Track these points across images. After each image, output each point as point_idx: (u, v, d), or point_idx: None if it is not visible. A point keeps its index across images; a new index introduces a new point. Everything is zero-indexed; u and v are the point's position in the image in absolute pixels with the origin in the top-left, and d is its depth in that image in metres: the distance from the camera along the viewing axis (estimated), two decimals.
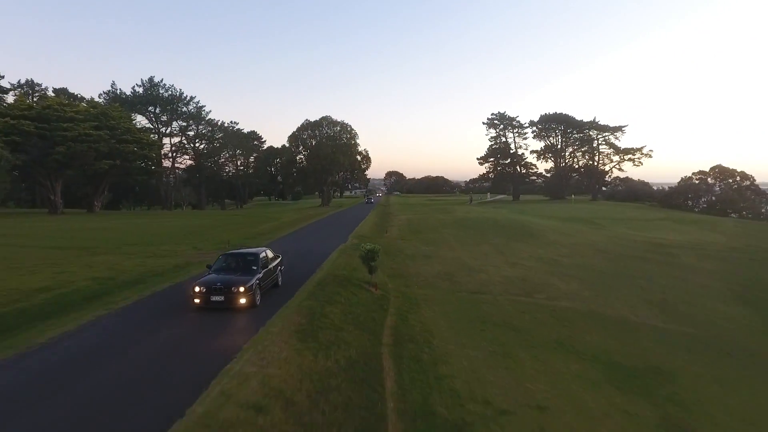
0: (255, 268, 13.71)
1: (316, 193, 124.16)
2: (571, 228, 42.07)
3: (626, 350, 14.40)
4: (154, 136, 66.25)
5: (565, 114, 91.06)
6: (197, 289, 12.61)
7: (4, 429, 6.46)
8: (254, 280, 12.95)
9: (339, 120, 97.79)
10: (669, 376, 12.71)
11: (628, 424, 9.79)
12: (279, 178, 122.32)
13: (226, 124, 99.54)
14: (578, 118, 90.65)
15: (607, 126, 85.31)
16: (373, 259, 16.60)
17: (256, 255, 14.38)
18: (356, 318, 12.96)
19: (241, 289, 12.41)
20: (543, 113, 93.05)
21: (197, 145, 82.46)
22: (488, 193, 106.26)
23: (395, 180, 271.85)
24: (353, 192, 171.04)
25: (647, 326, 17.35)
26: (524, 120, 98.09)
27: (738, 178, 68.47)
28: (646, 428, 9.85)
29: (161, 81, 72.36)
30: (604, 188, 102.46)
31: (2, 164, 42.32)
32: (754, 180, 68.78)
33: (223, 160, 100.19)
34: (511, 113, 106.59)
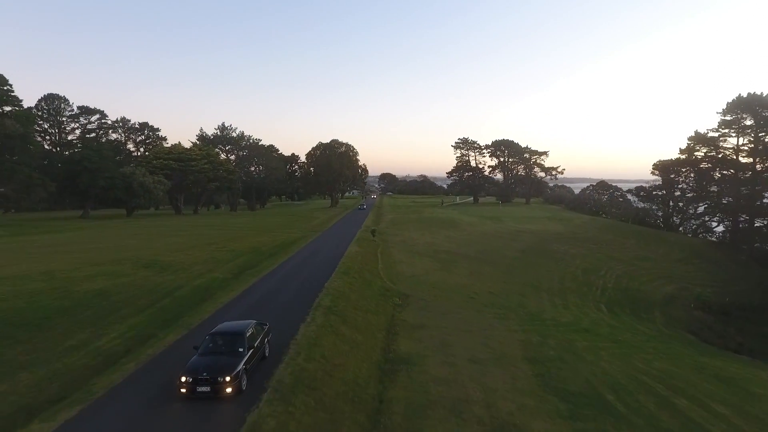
0: (241, 350, 13.75)
1: (318, 194, 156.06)
2: (481, 222, 76.07)
3: (449, 257, 48.19)
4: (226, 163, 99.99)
5: (510, 140, 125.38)
6: (183, 379, 12.62)
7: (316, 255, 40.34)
8: (240, 366, 13.08)
9: (344, 141, 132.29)
10: (456, 262, 46.59)
11: (428, 263, 43.58)
12: (289, 182, 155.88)
13: (252, 139, 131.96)
14: (521, 143, 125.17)
15: (537, 151, 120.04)
16: (374, 231, 50.64)
17: (242, 335, 14.35)
18: (370, 245, 46.96)
19: (227, 378, 12.52)
20: (495, 139, 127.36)
21: (251, 167, 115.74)
22: (457, 197, 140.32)
23: (388, 182, 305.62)
24: (351, 193, 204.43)
25: (464, 254, 51.21)
26: (482, 143, 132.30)
27: (612, 190, 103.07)
28: (433, 266, 43.65)
29: (230, 125, 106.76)
30: (549, 191, 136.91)
31: (164, 188, 75.73)
32: (623, 191, 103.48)
33: (257, 173, 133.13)
34: (473, 137, 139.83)
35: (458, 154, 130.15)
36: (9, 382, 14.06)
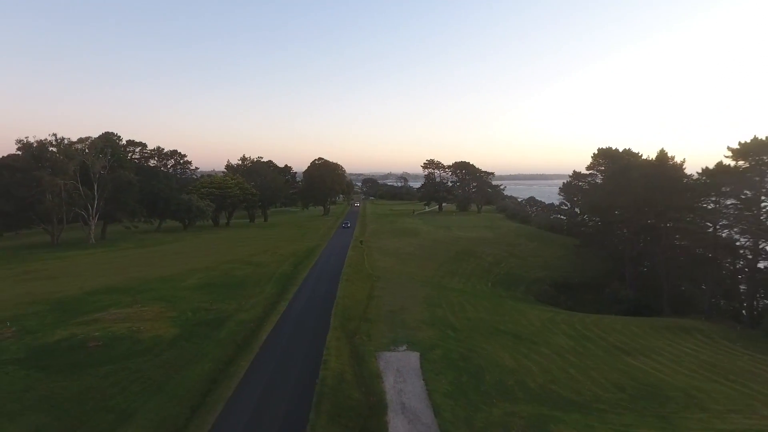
0: None
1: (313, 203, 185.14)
2: (436, 231, 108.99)
3: (407, 257, 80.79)
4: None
5: (467, 162, 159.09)
6: None
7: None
8: None
9: (333, 162, 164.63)
10: (411, 259, 79.25)
11: (393, 261, 76.09)
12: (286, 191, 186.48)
13: (255, 158, 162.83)
14: (476, 165, 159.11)
15: (486, 172, 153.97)
16: (362, 241, 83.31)
17: None
18: (360, 250, 79.42)
19: None
20: (455, 161, 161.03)
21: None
22: (426, 207, 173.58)
23: (370, 186, 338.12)
24: (339, 198, 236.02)
25: (417, 254, 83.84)
26: (447, 163, 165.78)
27: (538, 205, 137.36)
28: (396, 262, 76.22)
29: (249, 156, 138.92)
30: (500, 200, 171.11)
31: (211, 209, 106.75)
32: (545, 203, 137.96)
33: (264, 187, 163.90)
34: (438, 159, 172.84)
35: (426, 173, 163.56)
36: (254, 299, 45.96)
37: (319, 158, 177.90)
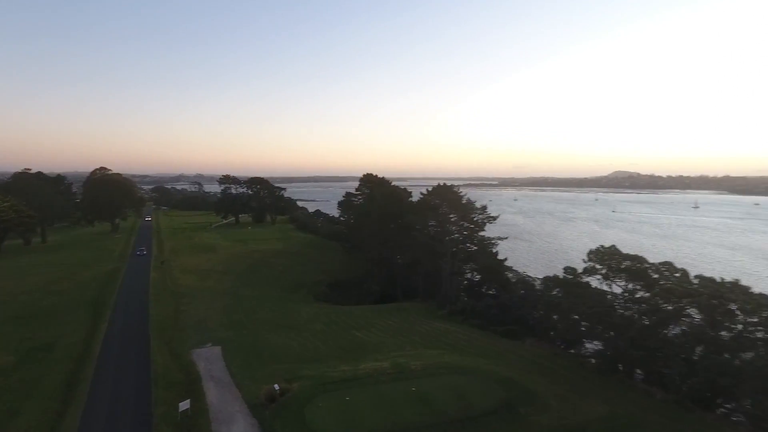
0: None
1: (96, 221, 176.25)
2: (233, 245, 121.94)
3: (206, 273, 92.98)
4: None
5: (262, 177, 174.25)
6: None
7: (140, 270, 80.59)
8: None
9: (117, 173, 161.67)
10: (210, 275, 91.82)
11: (194, 277, 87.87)
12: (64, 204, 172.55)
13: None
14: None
15: (279, 187, 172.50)
16: (163, 261, 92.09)
17: None
18: (161, 270, 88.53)
19: None
20: (252, 176, 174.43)
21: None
22: (223, 219, 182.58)
23: (161, 194, 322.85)
24: (129, 211, 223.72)
25: (216, 269, 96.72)
26: (242, 178, 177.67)
27: (324, 216, 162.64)
28: (196, 278, 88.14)
29: (18, 171, 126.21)
30: (295, 211, 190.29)
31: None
32: (333, 215, 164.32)
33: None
34: (236, 175, 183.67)
35: (222, 188, 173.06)
36: (73, 325, 54.24)
37: (101, 167, 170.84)
